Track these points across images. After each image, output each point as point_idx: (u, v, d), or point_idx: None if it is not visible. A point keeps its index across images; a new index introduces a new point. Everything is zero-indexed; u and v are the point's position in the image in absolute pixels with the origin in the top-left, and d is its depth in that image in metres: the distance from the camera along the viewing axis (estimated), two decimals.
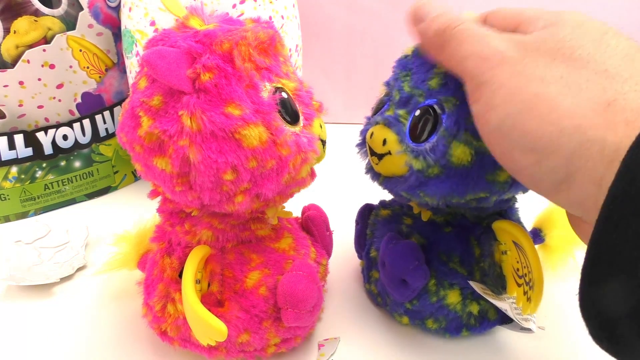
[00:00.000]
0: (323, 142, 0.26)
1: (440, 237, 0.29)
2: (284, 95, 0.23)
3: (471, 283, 0.28)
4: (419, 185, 0.26)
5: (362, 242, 0.34)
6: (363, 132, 0.30)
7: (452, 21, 0.22)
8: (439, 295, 0.28)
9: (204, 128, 0.21)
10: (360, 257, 0.36)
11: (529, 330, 0.27)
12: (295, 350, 0.30)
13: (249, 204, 0.24)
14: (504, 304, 0.27)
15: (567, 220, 0.23)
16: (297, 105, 0.24)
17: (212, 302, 0.26)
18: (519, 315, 0.27)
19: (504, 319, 0.30)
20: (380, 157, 0.27)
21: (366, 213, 0.35)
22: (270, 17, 0.45)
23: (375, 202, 0.36)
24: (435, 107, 0.25)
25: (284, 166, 0.23)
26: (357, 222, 0.36)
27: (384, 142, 0.26)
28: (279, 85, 0.24)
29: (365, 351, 0.30)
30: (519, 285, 0.28)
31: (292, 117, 0.24)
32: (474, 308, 0.29)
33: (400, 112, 0.26)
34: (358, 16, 0.72)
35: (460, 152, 0.24)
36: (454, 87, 0.25)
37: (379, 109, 0.29)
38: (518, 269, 0.28)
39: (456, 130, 0.24)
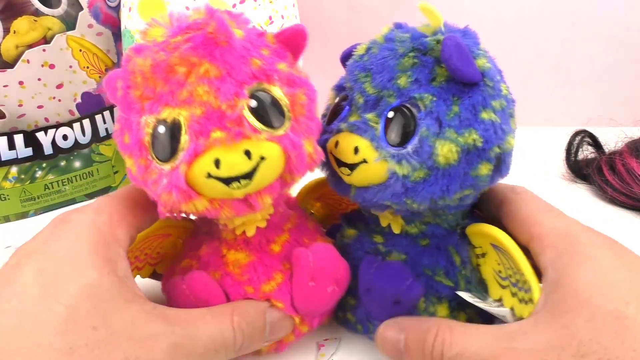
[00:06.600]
0: (226, 180, 0.21)
1: (420, 251, 0.27)
2: (161, 130, 0.21)
3: (460, 293, 0.26)
4: (405, 191, 0.24)
5: None
6: (320, 143, 0.27)
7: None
8: (429, 312, 0.27)
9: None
10: None
11: None
12: (295, 350, 0.30)
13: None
14: (502, 310, 0.26)
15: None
16: (181, 138, 0.21)
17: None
18: (514, 317, 0.25)
19: (488, 321, 0.28)
20: (352, 167, 0.25)
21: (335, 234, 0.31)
22: (270, 17, 0.45)
23: None
24: (409, 106, 0.24)
25: (157, 199, 0.23)
26: None
27: (356, 150, 0.25)
28: (162, 117, 0.21)
29: (365, 351, 0.30)
30: (503, 287, 0.26)
31: (159, 155, 0.22)
32: (462, 317, 0.27)
33: (369, 116, 0.25)
34: (358, 16, 0.72)
35: (446, 151, 0.23)
36: (425, 82, 0.24)
37: (333, 115, 0.28)
38: (500, 271, 0.26)
39: (438, 128, 0.23)
